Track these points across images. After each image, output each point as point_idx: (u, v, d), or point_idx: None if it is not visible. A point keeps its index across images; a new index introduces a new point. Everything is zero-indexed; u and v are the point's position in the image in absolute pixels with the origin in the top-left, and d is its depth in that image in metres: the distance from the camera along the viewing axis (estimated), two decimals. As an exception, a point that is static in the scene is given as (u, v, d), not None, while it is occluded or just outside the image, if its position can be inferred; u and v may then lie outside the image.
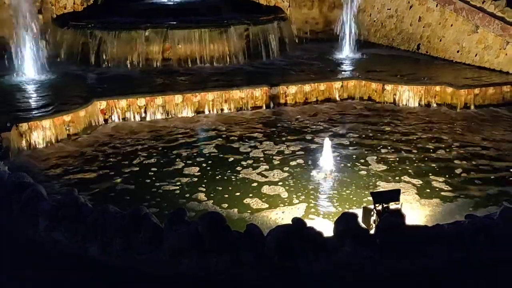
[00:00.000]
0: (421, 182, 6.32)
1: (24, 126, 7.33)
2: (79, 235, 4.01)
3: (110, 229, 3.95)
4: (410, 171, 6.68)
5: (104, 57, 10.66)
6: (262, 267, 3.62)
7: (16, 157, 6.93)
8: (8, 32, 10.58)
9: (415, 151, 7.35)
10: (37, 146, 7.41)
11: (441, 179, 6.41)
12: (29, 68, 10.06)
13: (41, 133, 7.45)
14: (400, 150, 7.36)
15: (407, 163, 6.93)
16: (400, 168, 6.75)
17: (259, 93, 9.35)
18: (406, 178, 6.45)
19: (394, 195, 4.89)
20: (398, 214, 4.68)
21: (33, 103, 8.39)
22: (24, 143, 7.28)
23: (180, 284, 3.69)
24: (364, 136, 7.96)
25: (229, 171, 6.65)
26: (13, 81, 9.63)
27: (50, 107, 8.00)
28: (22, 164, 6.66)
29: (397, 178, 6.47)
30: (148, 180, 6.46)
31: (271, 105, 9.38)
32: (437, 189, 6.16)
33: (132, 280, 3.75)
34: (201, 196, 5.98)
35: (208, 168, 6.76)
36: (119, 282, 3.77)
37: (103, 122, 8.44)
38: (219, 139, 7.82)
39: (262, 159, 7.03)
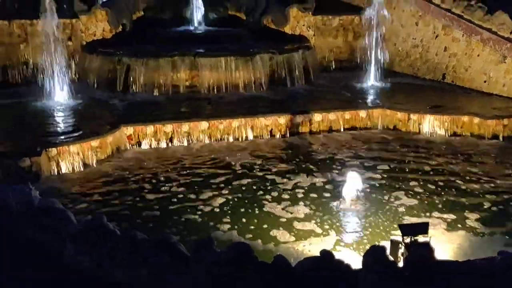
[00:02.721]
0: (450, 216, 6.19)
1: (53, 151, 7.47)
2: (105, 259, 4.04)
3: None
4: (438, 204, 6.55)
5: (131, 83, 10.82)
6: None
7: (45, 182, 7.04)
8: (39, 58, 10.87)
9: (442, 183, 7.21)
10: (65, 171, 7.52)
11: (471, 213, 6.27)
12: (59, 93, 10.29)
13: (69, 158, 7.57)
14: (428, 182, 7.23)
15: (436, 195, 6.80)
16: (428, 201, 6.63)
17: (283, 121, 9.38)
18: (434, 211, 6.33)
19: (423, 227, 4.79)
20: (427, 247, 4.59)
21: (62, 128, 8.57)
22: (53, 167, 7.41)
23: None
24: (390, 166, 7.86)
25: (254, 202, 6.60)
26: (43, 106, 9.85)
27: (78, 132, 8.13)
28: (51, 189, 6.76)
29: (425, 211, 6.34)
30: (172, 207, 6.48)
31: (296, 133, 9.38)
32: (467, 224, 6.02)
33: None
34: (225, 226, 5.96)
35: (232, 197, 6.75)
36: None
37: (130, 148, 8.54)
38: (244, 167, 7.81)
39: (287, 189, 6.97)
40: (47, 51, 10.23)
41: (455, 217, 6.18)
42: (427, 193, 6.88)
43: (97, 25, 12.40)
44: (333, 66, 13.99)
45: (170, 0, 14.21)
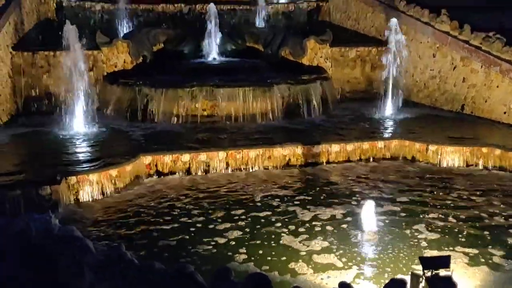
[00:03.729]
0: (473, 250, 6.04)
1: (72, 179, 7.55)
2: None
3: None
4: (460, 237, 6.42)
5: (150, 113, 10.98)
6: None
7: (65, 210, 7.10)
8: (62, 88, 11.11)
9: (464, 216, 7.07)
10: (84, 199, 7.60)
11: (494, 248, 6.11)
12: (79, 123, 10.46)
13: (89, 187, 7.65)
14: (449, 215, 7.10)
15: (457, 229, 6.67)
16: (449, 234, 6.50)
17: (301, 151, 9.38)
18: (456, 245, 6.19)
19: (444, 261, 4.70)
20: (449, 282, 4.49)
21: (81, 156, 8.65)
22: (72, 196, 7.49)
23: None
24: (410, 198, 7.76)
25: (271, 233, 6.54)
26: (63, 135, 10.00)
27: (98, 161, 8.23)
28: (70, 217, 6.81)
29: (447, 244, 6.21)
30: (188, 237, 6.47)
31: (313, 163, 9.36)
32: (491, 259, 5.87)
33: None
34: (242, 257, 5.90)
35: (250, 228, 6.70)
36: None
37: (149, 177, 8.59)
38: (261, 197, 7.79)
39: (306, 221, 6.91)
40: (69, 82, 10.46)
41: (477, 251, 6.03)
42: (448, 226, 6.75)
43: (118, 57, 12.67)
44: (351, 97, 14.03)
45: (189, 33, 14.52)
